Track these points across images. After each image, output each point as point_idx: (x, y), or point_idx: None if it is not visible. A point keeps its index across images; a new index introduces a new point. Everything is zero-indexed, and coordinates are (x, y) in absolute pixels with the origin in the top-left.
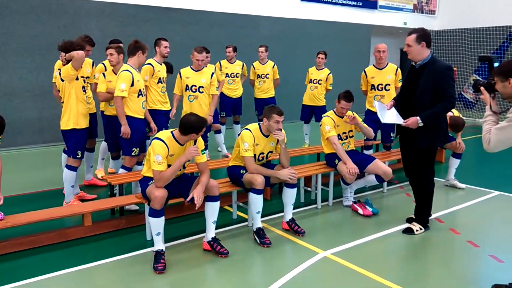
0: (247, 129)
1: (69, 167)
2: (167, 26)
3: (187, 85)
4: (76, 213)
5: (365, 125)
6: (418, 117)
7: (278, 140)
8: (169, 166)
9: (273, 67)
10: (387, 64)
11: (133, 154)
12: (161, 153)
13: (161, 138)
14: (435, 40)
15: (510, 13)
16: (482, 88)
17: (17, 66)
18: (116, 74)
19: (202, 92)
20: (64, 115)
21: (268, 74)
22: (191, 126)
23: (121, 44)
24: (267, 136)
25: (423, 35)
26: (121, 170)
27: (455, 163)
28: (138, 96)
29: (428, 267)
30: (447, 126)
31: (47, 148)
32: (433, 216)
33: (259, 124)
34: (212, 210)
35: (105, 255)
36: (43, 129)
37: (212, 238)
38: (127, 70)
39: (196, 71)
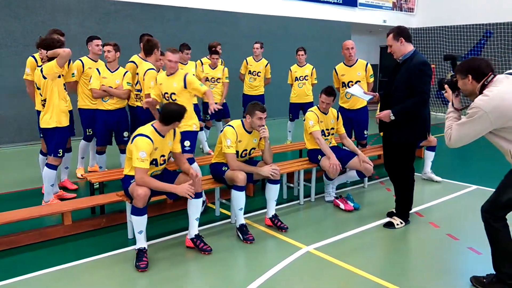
0: (229, 125)
1: (49, 165)
2: (147, 22)
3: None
4: (55, 212)
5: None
6: (390, 111)
7: (261, 137)
8: (154, 161)
9: (266, 65)
10: (357, 60)
11: None
12: (146, 149)
13: (144, 134)
14: (414, 38)
15: (487, 11)
16: (445, 85)
17: None
18: (111, 71)
19: (175, 99)
20: (46, 113)
21: (260, 72)
22: (174, 114)
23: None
24: (250, 133)
25: (399, 32)
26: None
27: (430, 155)
28: None
29: (409, 260)
30: (424, 122)
31: (26, 147)
32: (413, 210)
33: (242, 120)
34: (195, 207)
35: (86, 254)
36: (21, 128)
37: (195, 235)
38: (152, 69)
39: (168, 75)
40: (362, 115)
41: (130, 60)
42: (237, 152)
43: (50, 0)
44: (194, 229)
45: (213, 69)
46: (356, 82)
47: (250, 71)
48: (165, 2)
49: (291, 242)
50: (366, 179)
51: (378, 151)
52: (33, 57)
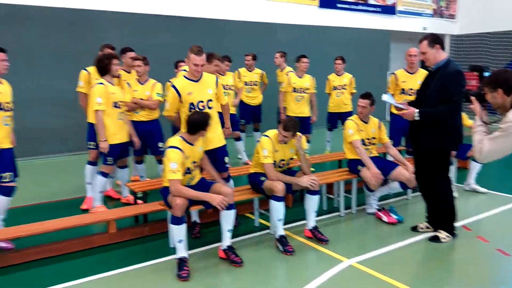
0: (266, 135)
1: (101, 173)
2: (186, 35)
3: (191, 104)
4: (101, 220)
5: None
6: (415, 109)
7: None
8: (187, 170)
9: (261, 75)
10: (418, 69)
11: None
12: (176, 160)
13: (173, 145)
14: (455, 45)
15: None
16: (472, 98)
17: (40, 75)
18: (141, 83)
19: (212, 107)
20: None
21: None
22: (198, 124)
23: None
24: (286, 142)
25: (435, 39)
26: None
27: (476, 166)
28: None
29: (457, 276)
30: (457, 130)
31: (71, 157)
32: (460, 223)
33: (278, 130)
34: (227, 219)
35: (130, 262)
36: (67, 138)
37: (228, 246)
38: None
39: (196, 81)
40: None
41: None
42: (275, 162)
43: (93, 14)
44: (226, 240)
45: (250, 71)
46: (417, 90)
47: (246, 82)
48: (203, 15)
49: (332, 255)
50: (410, 190)
51: None
52: (86, 70)
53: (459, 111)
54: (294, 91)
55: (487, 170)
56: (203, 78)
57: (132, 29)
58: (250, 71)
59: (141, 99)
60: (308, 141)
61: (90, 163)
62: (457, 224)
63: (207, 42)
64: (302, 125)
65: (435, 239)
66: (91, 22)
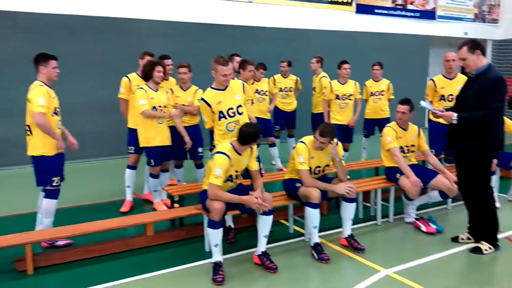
0: (302, 142)
1: (151, 175)
2: (222, 42)
3: (221, 112)
4: (139, 223)
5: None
6: (455, 114)
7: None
8: (229, 177)
9: (295, 81)
10: (457, 74)
11: None
12: (222, 167)
13: (223, 152)
14: (497, 50)
15: None
16: None
17: (83, 82)
18: (184, 90)
19: (242, 113)
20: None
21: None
22: (251, 136)
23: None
24: (322, 149)
25: (475, 44)
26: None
27: None
28: None
29: None
30: (497, 138)
31: (110, 161)
32: (503, 235)
33: (314, 136)
34: (264, 224)
35: (166, 265)
36: (106, 142)
37: (262, 252)
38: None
39: (224, 89)
40: None
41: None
42: (310, 168)
43: (132, 24)
44: (262, 246)
45: (285, 78)
46: (456, 96)
47: (281, 88)
48: (239, 22)
49: (368, 264)
50: (450, 200)
51: None
52: (127, 77)
53: (500, 119)
54: (337, 98)
55: None
56: (230, 85)
57: (170, 37)
58: (285, 77)
59: (183, 105)
60: (346, 150)
61: (130, 167)
62: (500, 236)
63: (243, 49)
64: (345, 133)
65: (477, 250)
66: (132, 31)
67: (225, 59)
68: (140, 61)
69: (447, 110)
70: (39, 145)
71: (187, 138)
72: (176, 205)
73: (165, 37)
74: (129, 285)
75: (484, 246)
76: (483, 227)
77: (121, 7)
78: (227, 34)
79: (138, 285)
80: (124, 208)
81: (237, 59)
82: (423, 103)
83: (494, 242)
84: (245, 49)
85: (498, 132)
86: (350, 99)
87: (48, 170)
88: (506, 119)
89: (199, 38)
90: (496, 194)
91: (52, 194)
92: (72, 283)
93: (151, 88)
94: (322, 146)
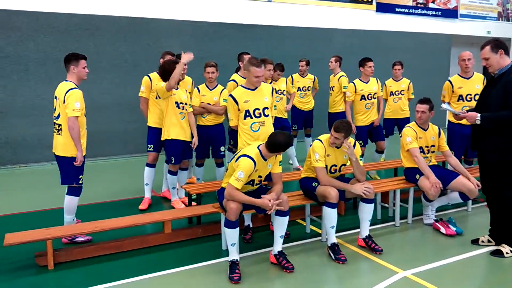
0: (318, 139)
1: (170, 172)
2: (242, 42)
3: (247, 111)
4: (157, 220)
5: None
6: (478, 114)
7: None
8: (251, 182)
9: (313, 80)
10: (473, 73)
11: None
12: (246, 171)
13: (250, 156)
14: None
15: None
16: None
17: (106, 81)
18: (210, 89)
19: (268, 115)
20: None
21: (309, 87)
22: (280, 146)
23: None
24: (338, 147)
25: (498, 44)
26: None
27: None
28: None
29: None
30: None
31: (130, 159)
32: None
33: (330, 133)
34: (281, 224)
35: (183, 263)
36: (127, 140)
37: (279, 251)
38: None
39: (253, 89)
40: None
41: (231, 79)
42: (326, 166)
43: (154, 24)
44: (278, 245)
45: (304, 77)
46: (475, 95)
47: (299, 87)
48: (259, 22)
49: (386, 266)
50: (470, 201)
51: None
52: (149, 76)
53: None
54: (363, 98)
55: None
56: (260, 87)
57: (191, 36)
58: (303, 76)
59: (209, 103)
60: (381, 151)
61: (149, 165)
62: (494, 247)
63: (262, 48)
64: (376, 132)
65: (498, 253)
66: (152, 31)
67: (258, 60)
68: (161, 60)
69: (468, 111)
70: (71, 146)
71: (195, 138)
72: (193, 203)
73: (184, 37)
74: (146, 282)
75: (506, 249)
76: (505, 229)
77: (141, 7)
78: (247, 34)
79: (155, 282)
80: (142, 206)
81: (246, 57)
82: (444, 106)
83: None
84: (265, 48)
85: None
86: (374, 98)
87: (75, 170)
88: None
89: (219, 37)
90: None
91: (76, 191)
92: (91, 278)
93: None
94: (336, 142)
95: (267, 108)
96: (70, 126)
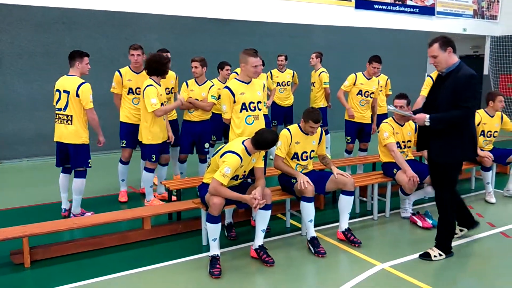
0: (286, 128)
1: (147, 169)
2: (222, 37)
3: (243, 104)
4: (136, 217)
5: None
6: (426, 115)
7: (320, 139)
8: (235, 177)
9: (293, 75)
10: None
11: None
12: (233, 167)
13: (236, 152)
14: (496, 46)
15: None
16: None
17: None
18: (199, 84)
19: (261, 109)
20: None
21: (288, 82)
22: (267, 143)
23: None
24: (307, 134)
25: (446, 41)
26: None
27: None
28: None
29: (493, 283)
30: (472, 139)
31: (107, 155)
32: (498, 230)
33: (298, 124)
34: (263, 218)
35: (163, 259)
36: (106, 137)
37: (259, 246)
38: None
39: (248, 83)
40: None
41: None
42: (296, 154)
43: (134, 18)
44: (259, 239)
45: (282, 72)
46: (426, 97)
47: (278, 82)
48: (239, 17)
49: (364, 258)
50: None
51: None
52: (119, 72)
53: (473, 118)
54: (359, 93)
55: None
56: (253, 81)
57: (170, 31)
58: (282, 71)
59: (196, 99)
60: (364, 150)
61: (123, 162)
62: (495, 231)
63: (242, 44)
64: (365, 134)
65: (426, 256)
66: (131, 25)
67: (254, 50)
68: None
69: (416, 112)
70: (82, 133)
71: (170, 134)
72: (173, 197)
73: (164, 31)
74: (126, 278)
75: (434, 252)
76: (439, 232)
77: (120, 1)
78: (227, 29)
79: (135, 278)
80: (123, 198)
81: (226, 66)
82: (390, 107)
83: (447, 249)
84: (245, 44)
85: (472, 132)
86: (371, 97)
87: (86, 154)
88: (505, 116)
89: (199, 32)
90: (492, 189)
91: (84, 174)
92: (69, 276)
93: (157, 83)
94: (313, 131)
95: (260, 102)
96: (90, 117)
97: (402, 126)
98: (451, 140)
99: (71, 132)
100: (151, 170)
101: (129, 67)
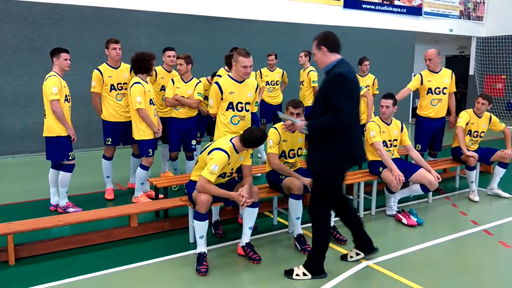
0: (273, 127)
1: (142, 166)
2: (210, 35)
3: (231, 103)
4: (123, 214)
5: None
6: (305, 122)
7: (306, 137)
8: (222, 174)
9: (282, 74)
10: (441, 68)
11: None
12: (220, 164)
13: (224, 149)
14: (482, 47)
15: None
16: None
17: (70, 73)
18: (185, 82)
19: (248, 110)
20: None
21: (278, 81)
22: (256, 142)
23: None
24: (294, 131)
25: (323, 39)
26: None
27: (500, 172)
28: None
29: (475, 280)
30: (351, 147)
31: (95, 152)
32: (481, 227)
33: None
34: (250, 215)
35: (150, 256)
36: (91, 133)
37: (246, 243)
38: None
39: (240, 82)
40: (443, 124)
41: (217, 73)
42: (284, 152)
43: (122, 14)
44: (246, 237)
45: (272, 71)
46: (443, 89)
47: (267, 81)
48: (228, 15)
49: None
50: (431, 193)
51: (444, 164)
52: (98, 69)
53: (353, 123)
54: None
55: (510, 175)
56: (246, 81)
57: (158, 28)
58: (271, 70)
59: (183, 96)
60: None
61: (106, 158)
62: (478, 228)
63: (231, 41)
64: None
65: (289, 273)
66: (119, 21)
67: (247, 51)
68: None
69: (307, 118)
70: (55, 126)
71: (160, 127)
72: (160, 195)
73: (152, 28)
74: (112, 276)
75: (298, 270)
76: (311, 250)
77: None
78: (216, 27)
79: (121, 276)
80: (109, 196)
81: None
82: (281, 114)
83: (314, 270)
84: (234, 42)
85: (353, 139)
86: (365, 96)
87: (64, 147)
88: (493, 117)
89: (187, 30)
90: (475, 188)
91: (69, 168)
92: (54, 273)
93: (144, 81)
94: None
95: (249, 103)
96: (52, 109)
97: (388, 125)
98: (328, 148)
99: (45, 126)
100: (146, 168)
101: (107, 63)
